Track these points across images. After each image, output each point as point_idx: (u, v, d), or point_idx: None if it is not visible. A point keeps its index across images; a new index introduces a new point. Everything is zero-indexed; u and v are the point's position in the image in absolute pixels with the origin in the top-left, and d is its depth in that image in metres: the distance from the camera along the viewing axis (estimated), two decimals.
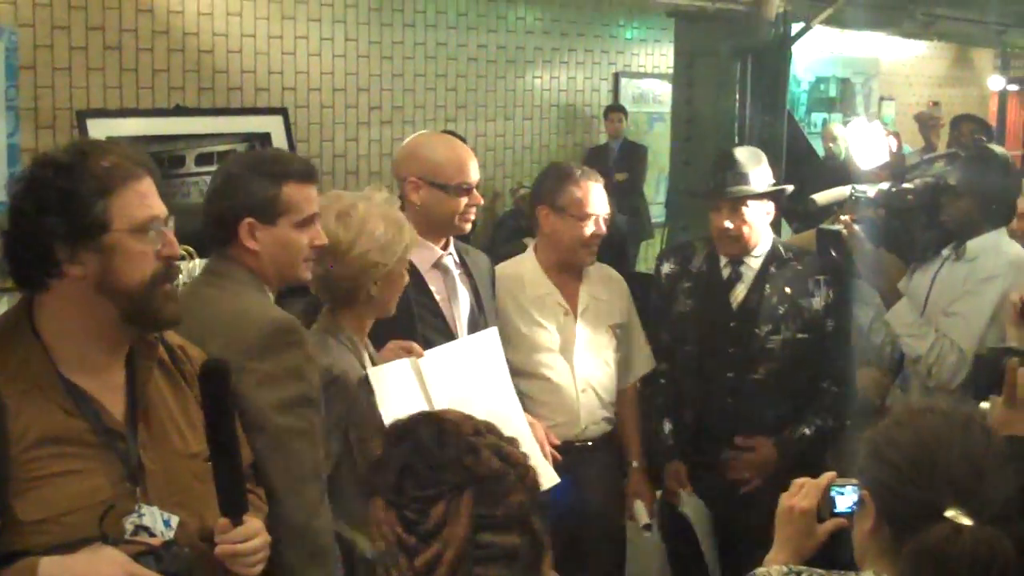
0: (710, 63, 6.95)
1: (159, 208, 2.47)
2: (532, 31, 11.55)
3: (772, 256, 4.53)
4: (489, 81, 11.13)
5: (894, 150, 6.17)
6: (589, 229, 4.30)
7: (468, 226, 3.92)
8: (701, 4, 6.50)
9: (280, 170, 3.00)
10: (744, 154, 4.57)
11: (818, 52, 14.69)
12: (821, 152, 11.12)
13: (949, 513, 2.07)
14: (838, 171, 8.13)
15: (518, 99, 11.46)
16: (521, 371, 4.22)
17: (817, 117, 15.37)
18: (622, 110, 11.85)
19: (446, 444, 1.97)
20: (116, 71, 8.22)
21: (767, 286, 4.46)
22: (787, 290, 4.44)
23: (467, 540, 1.89)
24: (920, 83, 17.33)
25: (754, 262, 4.51)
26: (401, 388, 3.34)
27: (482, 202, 3.91)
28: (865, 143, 4.77)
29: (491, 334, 3.89)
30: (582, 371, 4.36)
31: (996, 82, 17.33)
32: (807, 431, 4.41)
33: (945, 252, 4.41)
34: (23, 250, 2.40)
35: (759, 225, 4.50)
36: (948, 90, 17.66)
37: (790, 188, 4.78)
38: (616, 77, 12.56)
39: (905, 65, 16.96)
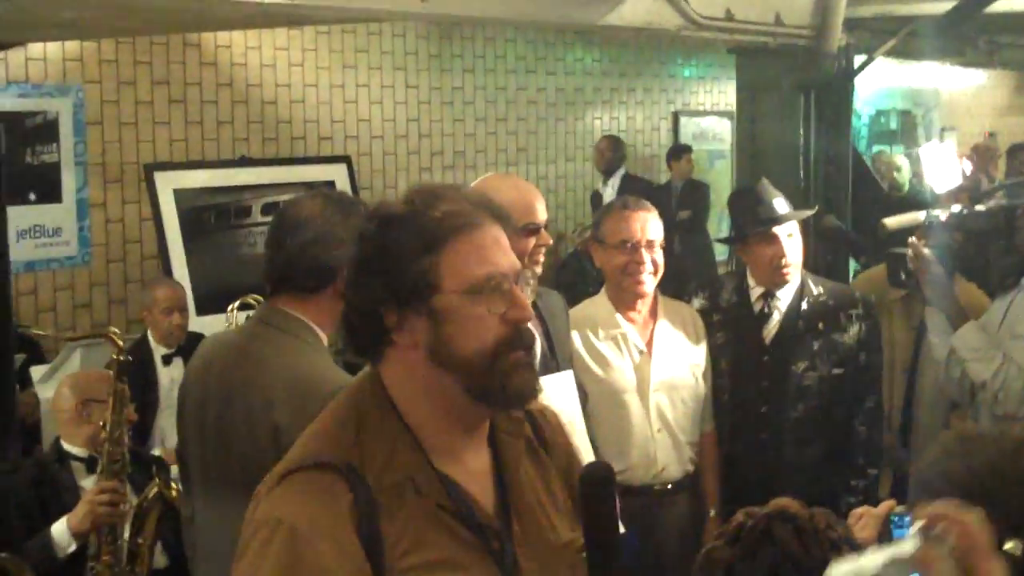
0: (773, 98, 6.92)
1: (505, 263, 2.09)
2: (591, 72, 11.59)
3: (803, 291, 4.51)
4: (549, 123, 11.18)
5: (967, 173, 6.10)
6: (627, 256, 4.24)
7: (539, 268, 3.88)
8: (763, 39, 6.48)
9: (358, 214, 2.99)
10: (770, 187, 4.56)
11: (878, 85, 14.61)
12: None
13: (1008, 546, 1.97)
14: (903, 203, 8.08)
15: (578, 140, 11.49)
16: (596, 413, 4.20)
17: (877, 149, 15.28)
18: (689, 150, 11.77)
19: (810, 546, 1.93)
20: (181, 124, 8.34)
21: (800, 321, 4.43)
22: (820, 324, 4.41)
23: None
24: (981, 113, 17.19)
25: (785, 296, 4.49)
26: None
27: (551, 243, 3.87)
28: (938, 166, 4.72)
29: (566, 376, 3.86)
30: (658, 411, 4.31)
31: None
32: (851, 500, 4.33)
33: None
34: (353, 314, 2.12)
35: (800, 254, 4.51)
36: (1009, 119, 17.50)
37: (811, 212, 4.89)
38: (675, 116, 12.56)
39: (965, 95, 16.84)
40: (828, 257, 6.83)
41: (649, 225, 4.27)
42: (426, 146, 10.01)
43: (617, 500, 2.29)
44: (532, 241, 3.84)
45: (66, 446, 4.57)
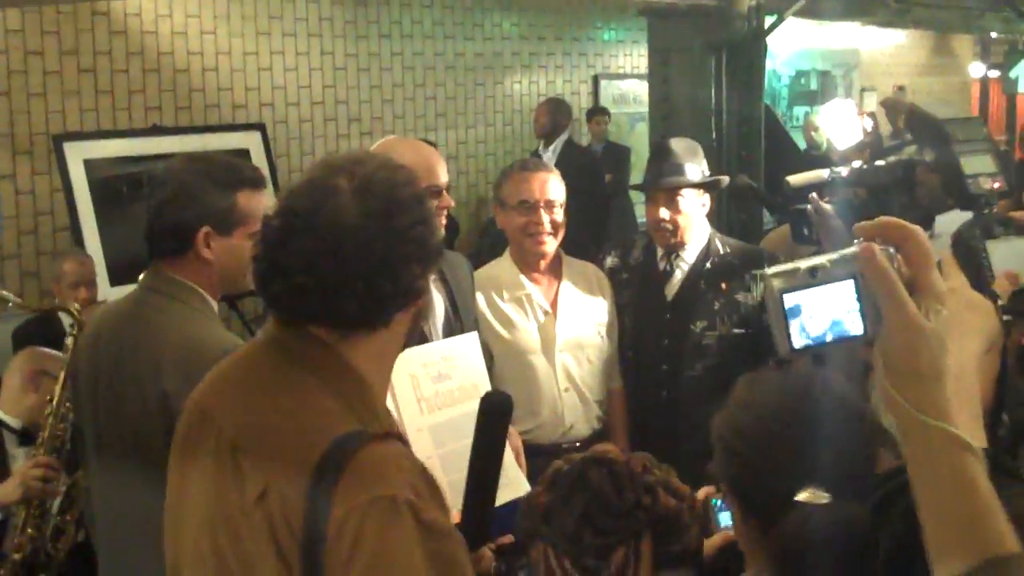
0: (684, 59, 6.94)
1: None
2: (509, 37, 11.55)
3: (708, 250, 4.55)
4: (468, 88, 11.14)
5: (869, 130, 6.15)
6: (526, 216, 4.25)
7: (440, 231, 3.86)
8: (673, 1, 6.49)
9: (234, 178, 2.96)
10: (680, 145, 4.58)
11: (797, 45, 14.70)
12: (803, 145, 11.15)
13: (801, 497, 1.93)
14: (819, 161, 8.13)
15: (498, 105, 11.47)
16: (502, 375, 4.20)
17: (799, 111, 15.39)
18: (606, 112, 11.81)
19: (623, 489, 1.93)
20: (92, 94, 8.21)
21: (702, 280, 4.47)
22: (723, 285, 4.45)
23: None
24: (900, 72, 17.34)
25: (689, 255, 4.53)
26: None
27: (452, 204, 3.84)
28: (840, 124, 4.75)
29: (470, 338, 3.85)
30: (564, 370, 4.33)
31: (977, 69, 17.36)
32: None
33: (930, 231, 4.38)
34: (401, 280, 2.01)
35: (694, 217, 4.52)
36: (928, 78, 17.70)
37: (725, 179, 4.83)
38: (595, 79, 12.57)
39: (884, 55, 16.99)
40: (742, 216, 6.87)
41: (549, 185, 4.27)
42: (343, 113, 9.94)
43: (508, 433, 2.39)
44: (434, 203, 3.81)
45: (2, 415, 4.52)
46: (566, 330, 4.35)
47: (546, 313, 4.34)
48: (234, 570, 1.98)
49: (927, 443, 1.36)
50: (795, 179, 4.47)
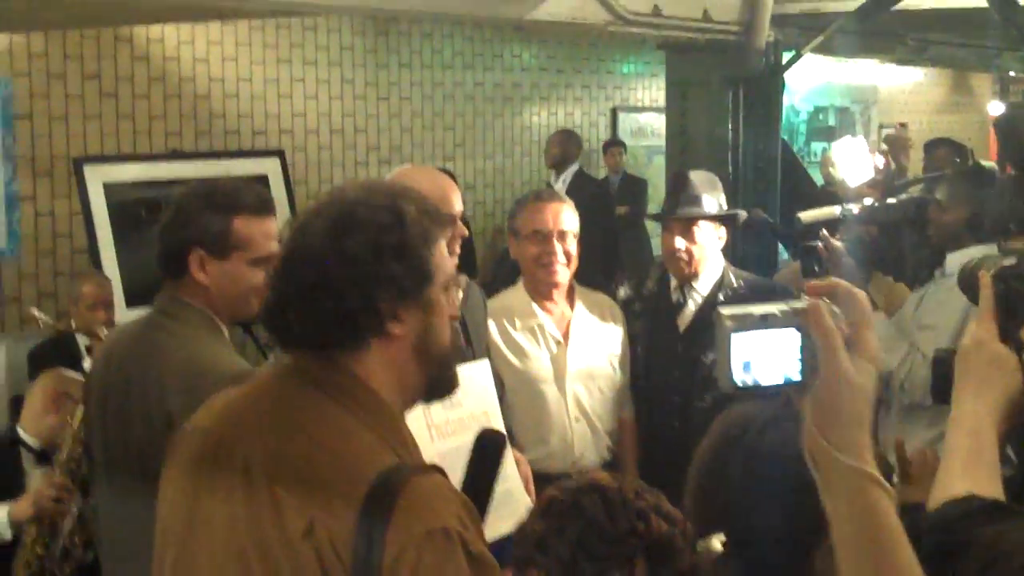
0: (702, 93, 6.98)
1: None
2: (528, 68, 11.61)
3: (722, 283, 4.57)
4: (486, 119, 11.19)
5: (880, 167, 6.17)
6: (539, 247, 4.27)
7: (455, 260, 3.88)
8: (691, 35, 6.52)
9: (230, 202, 2.98)
10: (699, 177, 4.62)
11: (816, 81, 14.73)
12: (820, 180, 11.16)
13: (700, 545, 2.01)
14: (836, 197, 8.14)
15: (516, 136, 11.51)
16: (513, 403, 4.22)
17: (817, 146, 15.37)
18: (621, 144, 11.85)
19: (616, 515, 1.94)
20: (113, 118, 8.28)
21: (714, 312, 4.46)
22: None
23: None
24: (919, 110, 17.34)
25: (703, 287, 4.55)
26: None
27: (466, 233, 3.85)
28: (851, 161, 4.77)
29: (481, 366, 3.86)
30: (574, 400, 4.35)
31: (995, 107, 17.35)
32: None
33: (938, 272, 4.38)
34: (344, 304, 2.04)
35: (709, 249, 4.54)
36: (947, 116, 17.69)
37: (743, 214, 4.84)
38: (614, 112, 12.61)
39: (904, 92, 17.00)
40: (756, 250, 6.88)
41: (562, 216, 4.30)
42: (362, 141, 9.99)
43: (499, 468, 2.43)
44: (448, 232, 3.82)
45: (22, 433, 4.57)
46: (578, 360, 4.36)
47: (558, 343, 4.36)
48: None
49: (843, 481, 1.47)
50: (807, 215, 4.49)
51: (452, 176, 4.33)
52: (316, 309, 2.05)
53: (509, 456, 3.78)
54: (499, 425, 3.79)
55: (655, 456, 4.54)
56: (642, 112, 12.81)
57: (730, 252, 5.85)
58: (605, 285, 4.82)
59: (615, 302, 4.65)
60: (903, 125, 14.58)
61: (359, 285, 2.03)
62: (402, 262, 2.05)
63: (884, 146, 12.04)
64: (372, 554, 1.89)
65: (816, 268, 4.50)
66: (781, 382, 1.48)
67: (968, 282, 2.20)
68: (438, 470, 2.02)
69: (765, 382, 1.48)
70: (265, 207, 3.07)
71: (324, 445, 2.02)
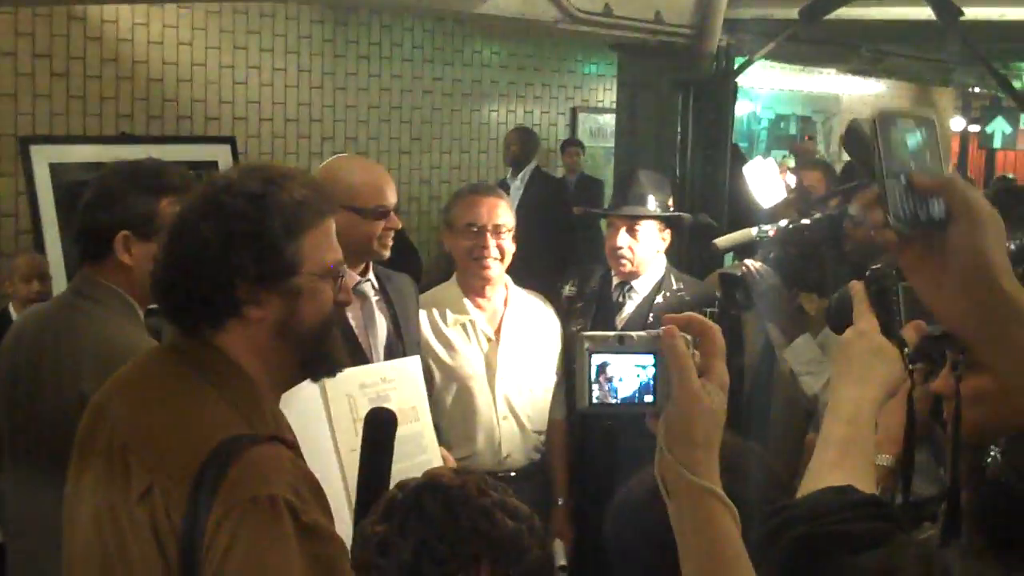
0: (652, 95, 6.97)
1: (339, 250, 2.31)
2: (488, 65, 11.59)
3: (662, 284, 4.58)
4: (444, 114, 11.16)
5: (792, 186, 6.15)
6: (472, 240, 4.24)
7: (386, 251, 3.85)
8: (641, 36, 6.51)
9: (158, 184, 2.96)
10: (647, 177, 4.63)
11: (778, 89, 14.77)
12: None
13: None
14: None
15: (474, 132, 11.49)
16: (441, 399, 4.21)
17: (777, 154, 15.41)
18: (579, 144, 11.86)
19: (458, 514, 1.93)
20: (63, 98, 8.20)
21: (651, 313, 4.48)
22: None
23: None
24: None
25: (642, 288, 4.56)
26: (301, 409, 3.28)
27: (400, 226, 3.83)
28: (763, 182, 4.76)
29: (412, 361, 3.84)
30: (504, 399, 4.32)
31: (957, 123, 17.48)
32: None
33: None
34: (199, 285, 2.15)
35: (651, 248, 4.57)
36: None
37: (687, 217, 4.87)
38: (573, 112, 12.62)
39: (865, 104, 17.05)
40: (702, 254, 6.88)
41: (498, 210, 4.26)
42: (317, 130, 9.94)
43: (392, 443, 2.49)
44: (381, 224, 3.81)
45: None
46: (508, 358, 4.34)
47: (489, 340, 4.33)
48: (117, 566, 2.06)
49: (689, 498, 1.54)
50: (722, 241, 4.46)
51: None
52: (177, 289, 2.17)
53: (435, 450, 3.78)
54: (427, 421, 3.77)
55: (586, 454, 4.54)
56: (602, 113, 12.81)
57: (675, 256, 5.85)
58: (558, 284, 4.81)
59: (560, 300, 4.64)
60: (810, 138, 14.67)
61: (211, 270, 2.13)
62: (254, 251, 2.13)
63: (792, 162, 12.07)
64: (198, 518, 1.95)
65: (738, 296, 4.45)
66: (635, 403, 1.57)
67: (838, 312, 2.24)
68: (283, 441, 2.09)
69: (619, 402, 1.56)
70: (190, 189, 3.05)
71: (177, 414, 2.12)
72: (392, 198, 3.85)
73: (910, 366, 1.96)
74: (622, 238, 4.50)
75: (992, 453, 2.12)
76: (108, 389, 2.26)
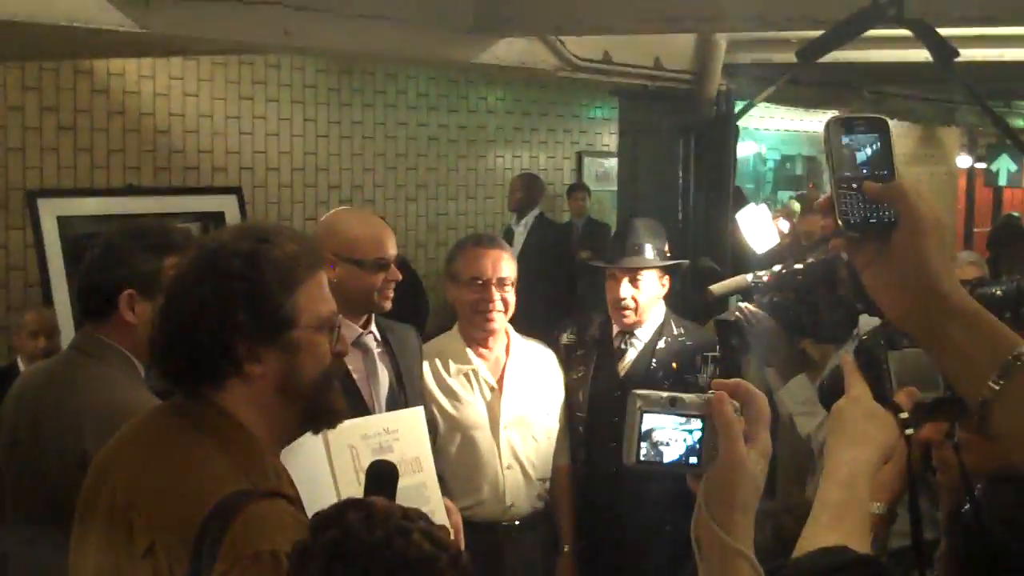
0: (653, 140, 7.01)
1: (333, 302, 2.33)
2: (493, 111, 11.65)
3: (662, 330, 4.60)
4: (450, 161, 11.22)
5: (786, 232, 6.17)
6: (477, 293, 4.25)
7: (387, 303, 3.86)
8: (641, 82, 6.56)
9: (163, 243, 2.99)
10: (643, 225, 4.64)
11: (783, 131, 14.81)
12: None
13: None
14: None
15: (480, 178, 11.54)
16: (445, 449, 4.21)
17: (784, 195, 15.44)
18: (585, 188, 11.90)
19: (375, 528, 1.94)
20: (70, 151, 8.27)
21: (653, 359, 4.51)
22: (673, 365, 4.49)
23: None
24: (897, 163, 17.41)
25: (644, 334, 4.58)
26: (304, 461, 3.30)
27: (400, 278, 3.86)
28: (756, 228, 4.78)
29: (414, 412, 3.85)
30: (508, 447, 4.33)
31: (963, 160, 17.49)
32: None
33: (855, 332, 4.36)
34: (198, 346, 2.18)
35: (653, 297, 4.59)
36: (916, 168, 17.76)
37: (685, 263, 4.90)
38: (579, 156, 12.67)
39: None
40: (706, 298, 6.89)
41: (501, 263, 4.29)
42: (323, 180, 10.00)
43: (393, 496, 2.50)
44: (381, 276, 3.83)
45: None
46: (512, 407, 4.35)
47: (492, 389, 4.35)
48: None
49: (723, 561, 1.56)
50: (717, 288, 4.45)
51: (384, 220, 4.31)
52: (176, 350, 2.20)
53: (438, 501, 3.79)
54: (431, 471, 3.78)
55: (594, 500, 4.55)
56: (607, 157, 12.83)
57: (678, 300, 5.86)
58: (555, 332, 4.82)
59: (558, 347, 4.66)
60: (814, 186, 14.71)
61: (210, 330, 2.15)
62: (252, 309, 2.16)
63: (797, 205, 12.10)
64: (202, 574, 1.98)
65: (734, 342, 4.46)
66: (681, 462, 1.59)
67: (831, 388, 2.28)
68: (284, 496, 2.12)
69: (665, 461, 1.59)
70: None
71: (178, 472, 2.14)
72: (392, 250, 3.87)
73: (907, 431, 2.00)
74: (625, 290, 4.52)
75: (967, 500, 2.16)
76: (110, 449, 2.29)
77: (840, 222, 1.55)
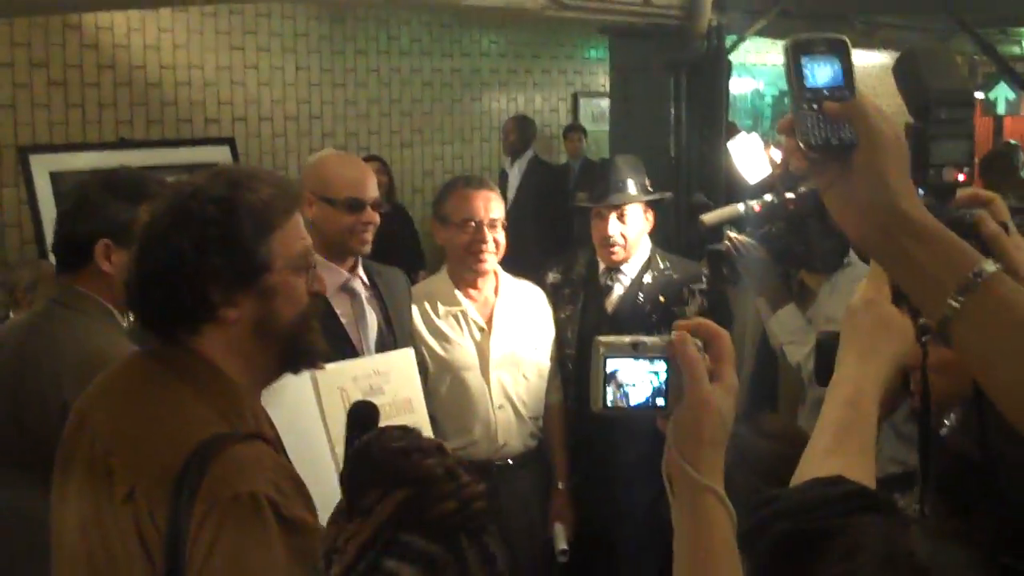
0: (644, 78, 6.98)
1: (308, 238, 2.33)
2: (487, 54, 11.59)
3: (648, 264, 4.62)
4: (445, 105, 11.17)
5: (779, 162, 6.12)
6: (469, 235, 4.25)
7: (365, 247, 3.85)
8: (631, 20, 6.52)
9: (138, 191, 2.98)
10: (624, 161, 4.64)
11: (782, 66, 14.70)
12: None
13: None
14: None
15: (475, 122, 11.49)
16: (436, 390, 4.23)
17: None
18: (581, 129, 11.86)
19: (404, 437, 1.98)
20: (62, 107, 8.23)
21: (640, 294, 4.52)
22: (661, 298, 4.50)
23: (383, 527, 1.89)
24: (887, 93, 17.09)
25: (630, 270, 4.59)
26: (293, 403, 3.30)
27: (377, 221, 3.84)
28: (748, 158, 4.75)
29: (405, 353, 3.86)
30: (499, 387, 4.34)
31: None
32: None
33: (846, 260, 4.36)
34: (174, 293, 2.17)
35: (639, 232, 4.61)
36: None
37: (669, 195, 4.95)
38: (575, 97, 12.60)
39: (870, 75, 16.93)
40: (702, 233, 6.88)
41: (492, 204, 4.29)
42: (317, 128, 9.95)
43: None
44: (354, 217, 3.79)
45: None
46: (501, 347, 4.36)
47: (481, 329, 4.35)
48: (104, 569, 2.10)
49: (692, 496, 1.57)
50: (709, 217, 4.45)
51: (386, 164, 4.31)
52: (150, 297, 2.19)
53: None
54: (423, 412, 3.80)
55: (585, 437, 4.57)
56: (603, 97, 12.72)
57: (673, 236, 5.85)
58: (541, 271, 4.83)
59: (545, 286, 4.66)
60: None
61: (185, 278, 2.14)
62: (227, 255, 2.15)
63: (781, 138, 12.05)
64: (182, 518, 1.98)
65: (725, 271, 4.47)
66: (648, 405, 1.61)
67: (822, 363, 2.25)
68: (264, 439, 2.13)
69: (632, 405, 1.61)
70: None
71: (156, 417, 2.15)
72: (368, 193, 3.83)
73: (923, 338, 1.90)
74: (612, 227, 4.52)
75: (947, 422, 2.12)
76: (88, 396, 2.30)
77: (801, 143, 1.55)
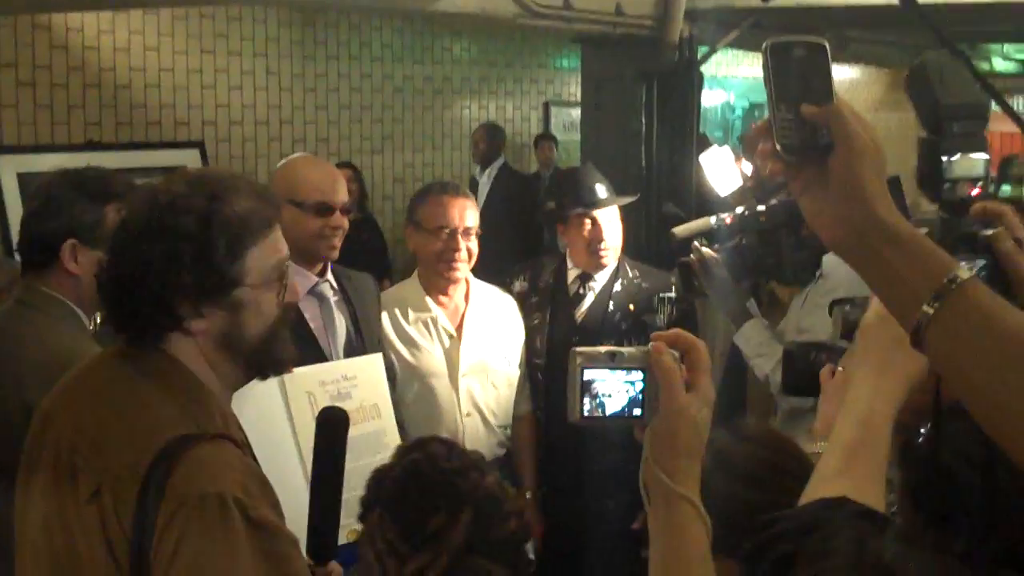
0: (616, 87, 6.99)
1: (285, 249, 2.31)
2: (459, 61, 11.58)
3: (618, 273, 4.62)
4: (416, 112, 11.15)
5: (749, 174, 6.12)
6: (443, 242, 4.22)
7: (333, 252, 3.83)
8: (604, 29, 6.53)
9: (104, 191, 2.96)
10: (595, 169, 4.68)
11: (752, 78, 14.77)
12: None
13: None
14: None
15: (446, 129, 11.48)
16: (404, 396, 4.20)
17: None
18: (552, 138, 11.87)
19: (455, 457, 1.98)
20: (30, 108, 8.15)
21: (611, 302, 4.53)
22: (630, 307, 4.51)
23: (461, 551, 1.89)
24: (858, 107, 17.25)
25: (601, 278, 4.60)
26: (261, 407, 3.28)
27: (346, 226, 3.82)
28: (719, 171, 4.76)
29: (373, 359, 3.85)
30: (467, 395, 4.32)
31: None
32: None
33: (818, 273, 4.37)
34: (141, 302, 2.15)
35: (620, 237, 4.64)
36: (886, 114, 17.75)
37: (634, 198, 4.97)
38: (546, 106, 12.61)
39: (841, 88, 16.93)
40: (671, 244, 6.89)
41: (467, 212, 4.28)
42: (287, 133, 9.91)
43: (344, 443, 2.52)
44: (320, 221, 3.77)
45: None
46: (471, 355, 4.34)
47: (451, 336, 4.34)
48: (66, 568, 2.09)
49: (668, 505, 1.61)
50: (680, 230, 4.45)
51: (358, 172, 4.29)
52: (120, 303, 2.18)
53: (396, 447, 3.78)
54: (390, 418, 3.78)
55: (554, 447, 4.57)
56: (574, 106, 12.74)
57: (643, 246, 5.85)
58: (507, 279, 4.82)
59: (511, 295, 4.65)
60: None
61: (153, 289, 2.12)
62: (197, 272, 2.13)
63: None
64: (147, 518, 1.98)
65: (695, 283, 4.46)
66: (624, 416, 1.64)
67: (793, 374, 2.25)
68: (229, 439, 2.12)
69: (609, 415, 1.64)
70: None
71: (122, 416, 2.13)
72: (337, 197, 3.80)
73: None
74: (606, 229, 4.54)
75: (922, 431, 2.10)
76: (54, 395, 2.29)
77: (778, 145, 1.54)
